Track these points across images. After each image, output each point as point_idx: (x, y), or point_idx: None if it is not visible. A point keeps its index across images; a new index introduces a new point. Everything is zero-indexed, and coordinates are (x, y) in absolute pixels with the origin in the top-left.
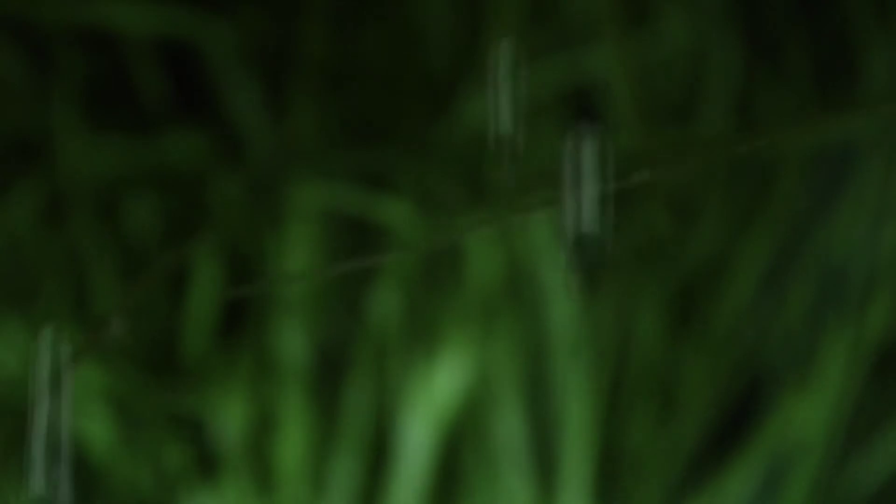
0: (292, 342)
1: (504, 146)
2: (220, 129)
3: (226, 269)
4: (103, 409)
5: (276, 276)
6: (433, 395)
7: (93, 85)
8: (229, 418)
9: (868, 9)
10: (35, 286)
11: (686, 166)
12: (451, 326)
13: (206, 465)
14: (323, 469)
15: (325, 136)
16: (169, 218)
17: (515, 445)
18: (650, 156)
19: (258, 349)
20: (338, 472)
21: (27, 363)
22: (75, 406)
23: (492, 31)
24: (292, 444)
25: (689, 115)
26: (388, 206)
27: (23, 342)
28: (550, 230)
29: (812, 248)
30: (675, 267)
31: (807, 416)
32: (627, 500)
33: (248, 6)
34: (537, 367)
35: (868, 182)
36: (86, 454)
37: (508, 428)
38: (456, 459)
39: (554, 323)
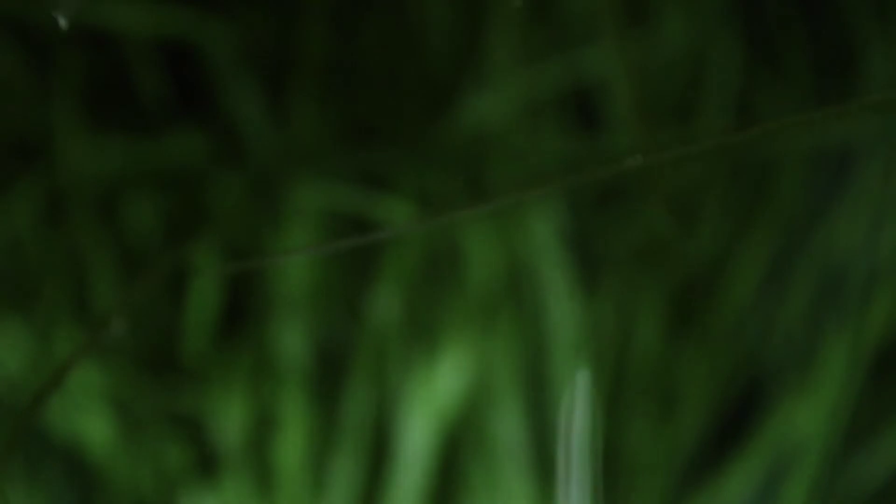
0: (292, 342)
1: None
2: (220, 129)
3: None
4: (103, 409)
5: (274, 255)
6: (433, 395)
7: (93, 85)
8: (229, 418)
9: (868, 9)
10: (35, 286)
11: (686, 166)
12: (451, 326)
13: (206, 465)
14: (323, 469)
15: (325, 136)
16: (169, 218)
17: (515, 445)
18: (650, 156)
19: (258, 349)
20: (338, 472)
21: (27, 363)
22: (75, 406)
23: (492, 31)
24: (292, 444)
25: (689, 115)
26: (388, 206)
27: (23, 342)
28: (550, 230)
29: (812, 248)
30: (675, 267)
31: (807, 416)
32: (627, 500)
33: (248, 6)
34: (537, 367)
35: (868, 182)
36: (86, 454)
37: (508, 428)
38: (456, 459)
39: (554, 323)
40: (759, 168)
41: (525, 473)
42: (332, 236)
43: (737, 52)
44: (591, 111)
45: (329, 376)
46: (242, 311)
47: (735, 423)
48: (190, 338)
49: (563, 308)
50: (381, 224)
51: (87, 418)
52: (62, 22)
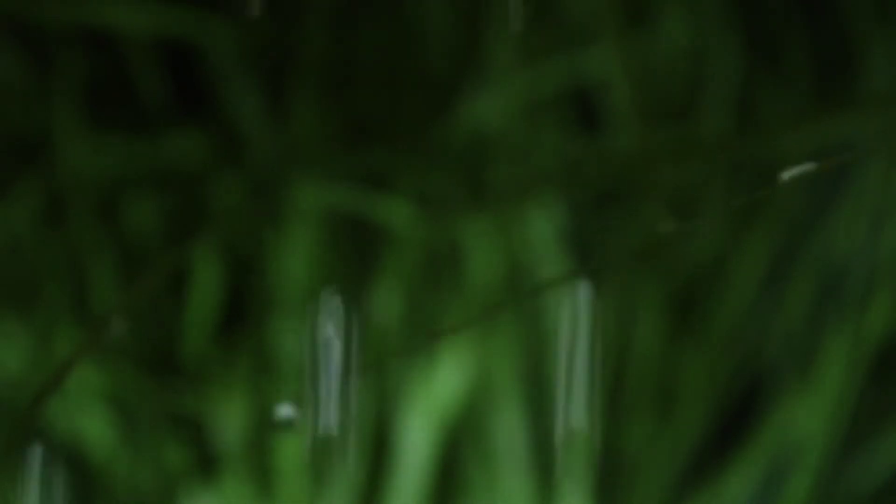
0: (292, 342)
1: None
2: (220, 129)
3: (226, 269)
4: (103, 409)
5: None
6: (433, 395)
7: (93, 85)
8: (229, 418)
9: (868, 9)
10: (35, 286)
11: (686, 166)
12: (450, 326)
13: (206, 465)
14: (323, 469)
15: (325, 136)
16: (169, 218)
17: (515, 445)
18: (650, 156)
19: (258, 349)
20: (338, 472)
21: (27, 363)
22: (75, 406)
23: (492, 31)
24: (292, 444)
25: (689, 115)
26: (388, 206)
27: (23, 342)
28: (550, 230)
29: (812, 248)
30: (675, 267)
31: (807, 416)
32: (627, 500)
33: (248, 6)
34: (537, 367)
35: (868, 182)
36: (86, 454)
37: (508, 428)
38: (456, 459)
39: (554, 323)
40: (759, 168)
41: (525, 473)
42: (331, 235)
43: (737, 52)
44: (591, 111)
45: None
46: (242, 310)
47: (735, 423)
48: (190, 338)
49: (563, 308)
50: (382, 224)
51: (87, 418)
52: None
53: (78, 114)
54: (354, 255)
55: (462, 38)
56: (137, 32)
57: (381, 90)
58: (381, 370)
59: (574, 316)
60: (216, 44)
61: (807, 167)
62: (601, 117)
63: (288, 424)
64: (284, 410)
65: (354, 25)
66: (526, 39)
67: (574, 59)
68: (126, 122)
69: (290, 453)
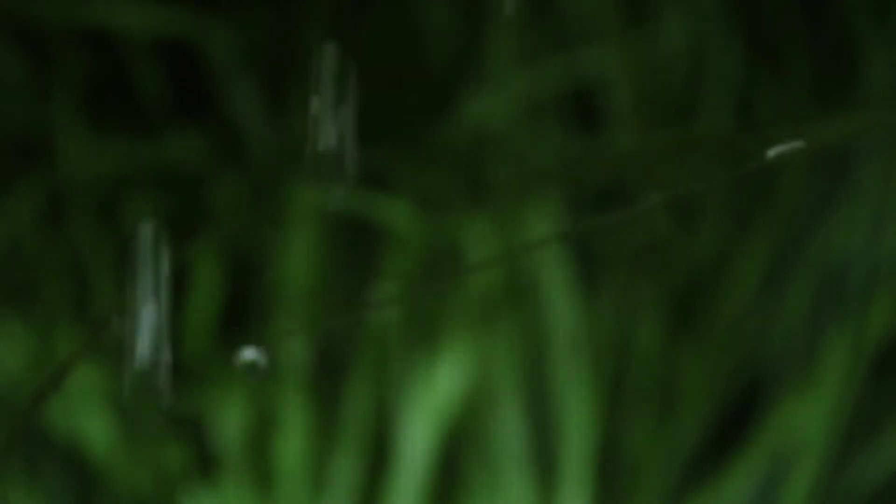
0: (292, 342)
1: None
2: (220, 129)
3: (226, 269)
4: (103, 409)
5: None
6: (433, 395)
7: (93, 85)
8: (229, 418)
9: (868, 9)
10: (35, 286)
11: (686, 166)
12: (451, 326)
13: (206, 465)
14: (323, 469)
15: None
16: (169, 218)
17: (515, 445)
18: (650, 156)
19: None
20: (338, 472)
21: (27, 363)
22: (75, 406)
23: (492, 31)
24: (292, 444)
25: (689, 115)
26: (388, 206)
27: (23, 342)
28: (550, 230)
29: (812, 248)
30: (675, 267)
31: (807, 416)
32: (627, 500)
33: (248, 6)
34: (537, 367)
35: (868, 182)
36: (86, 454)
37: (508, 428)
38: (456, 459)
39: (554, 323)
40: (759, 168)
41: (525, 473)
42: (331, 235)
43: (737, 52)
44: (591, 111)
45: (329, 376)
46: (242, 310)
47: (735, 423)
48: (190, 338)
49: (563, 308)
50: (382, 224)
51: (87, 418)
52: None
53: (78, 114)
54: (354, 255)
55: (462, 37)
56: (137, 32)
57: (381, 90)
58: (381, 370)
59: (574, 316)
60: (216, 44)
61: (796, 145)
62: (601, 117)
63: (252, 368)
64: (248, 353)
65: (354, 25)
66: (526, 39)
67: (574, 59)
68: (126, 122)
69: (290, 453)
